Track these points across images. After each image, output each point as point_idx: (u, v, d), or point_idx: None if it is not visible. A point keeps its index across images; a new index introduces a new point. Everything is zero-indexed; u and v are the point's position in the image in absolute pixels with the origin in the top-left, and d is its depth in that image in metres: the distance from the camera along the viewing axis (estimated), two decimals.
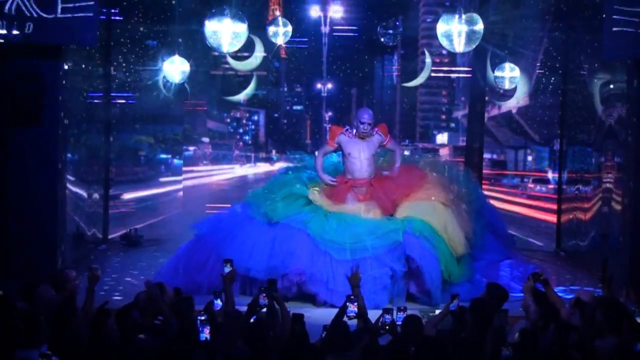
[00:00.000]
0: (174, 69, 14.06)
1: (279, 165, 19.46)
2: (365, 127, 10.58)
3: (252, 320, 6.52)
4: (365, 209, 10.28)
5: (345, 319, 6.51)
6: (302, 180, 10.89)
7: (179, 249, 10.80)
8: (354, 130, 10.75)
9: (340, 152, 10.97)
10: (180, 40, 14.69)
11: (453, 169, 11.91)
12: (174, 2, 14.89)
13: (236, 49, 13.07)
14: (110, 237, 14.60)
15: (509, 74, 14.28)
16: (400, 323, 6.43)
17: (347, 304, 6.55)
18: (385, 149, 11.08)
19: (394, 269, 9.73)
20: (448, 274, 9.88)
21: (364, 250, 9.70)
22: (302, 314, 6.33)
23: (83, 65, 12.77)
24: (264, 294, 6.63)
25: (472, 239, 10.51)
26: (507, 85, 14.47)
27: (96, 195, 13.99)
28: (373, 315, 6.74)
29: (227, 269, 6.92)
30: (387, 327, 6.30)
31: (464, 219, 10.52)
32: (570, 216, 14.17)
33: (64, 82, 10.80)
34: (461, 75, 18.63)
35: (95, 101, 14.04)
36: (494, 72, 14.78)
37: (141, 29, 15.00)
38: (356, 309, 6.52)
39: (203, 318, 6.07)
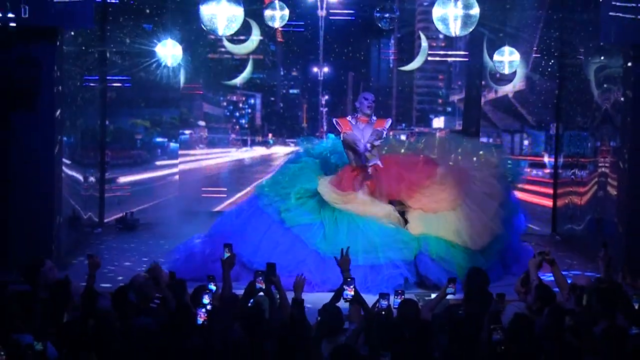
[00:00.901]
0: (167, 52, 14.03)
1: (275, 149, 19.71)
2: (369, 103, 10.63)
3: (249, 304, 6.50)
4: (375, 204, 10.29)
5: (341, 302, 6.49)
6: (314, 167, 10.93)
7: (192, 239, 10.77)
8: (356, 115, 10.79)
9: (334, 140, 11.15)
10: (179, 22, 14.66)
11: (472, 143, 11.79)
12: None
13: (232, 32, 13.00)
14: (106, 220, 14.61)
15: (509, 58, 14.30)
16: (396, 307, 6.42)
17: (344, 286, 6.53)
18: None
19: (407, 276, 9.79)
20: None
21: (376, 258, 9.76)
22: (302, 300, 6.32)
23: (80, 48, 12.72)
24: (261, 278, 6.62)
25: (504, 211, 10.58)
26: (506, 70, 14.50)
27: (92, 179, 13.98)
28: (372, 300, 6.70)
29: (226, 254, 6.92)
30: (383, 312, 6.29)
31: (494, 194, 10.51)
32: (566, 200, 14.18)
33: (60, 65, 10.76)
34: (457, 59, 18.55)
35: (92, 84, 14.00)
36: (490, 56, 14.82)
37: (137, 12, 14.92)
38: (352, 292, 6.51)
39: (207, 300, 6.09)
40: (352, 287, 6.51)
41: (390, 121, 11.08)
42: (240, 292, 6.82)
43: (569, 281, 7.43)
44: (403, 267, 9.84)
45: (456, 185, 10.54)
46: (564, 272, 7.86)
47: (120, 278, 9.80)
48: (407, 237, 10.09)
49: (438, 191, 10.46)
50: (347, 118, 10.89)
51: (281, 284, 6.75)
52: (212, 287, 6.86)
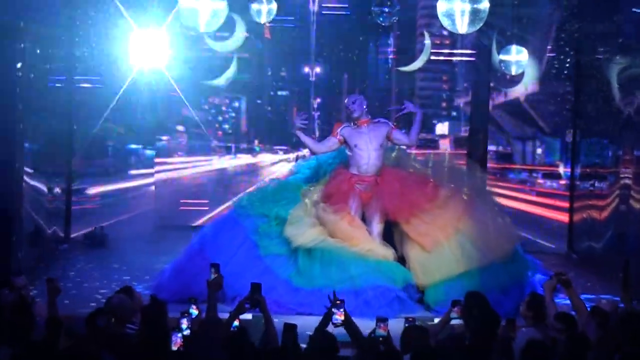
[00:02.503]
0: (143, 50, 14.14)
1: (262, 157, 19.75)
2: (352, 107, 10.61)
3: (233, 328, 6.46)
4: (360, 238, 10.22)
5: (330, 327, 6.41)
6: (299, 184, 10.87)
7: (178, 258, 10.66)
8: (352, 123, 10.72)
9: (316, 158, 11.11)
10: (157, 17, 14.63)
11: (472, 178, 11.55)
12: None
13: (214, 28, 12.98)
14: (72, 235, 14.49)
15: (516, 58, 14.34)
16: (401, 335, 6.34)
17: (333, 309, 6.46)
18: (392, 143, 10.97)
19: (396, 294, 9.71)
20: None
21: (352, 285, 9.63)
22: (294, 324, 6.24)
23: (45, 45, 12.65)
24: (247, 305, 6.57)
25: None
26: (513, 70, 14.57)
27: (57, 190, 13.86)
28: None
29: (212, 275, 6.88)
30: (380, 340, 6.20)
31: (493, 224, 10.40)
32: (584, 215, 14.13)
33: (22, 63, 10.71)
34: (463, 58, 18.58)
35: (57, 85, 13.95)
36: (499, 55, 14.84)
37: (109, 6, 14.88)
38: (342, 317, 6.44)
39: (184, 325, 6.14)
40: (341, 310, 6.44)
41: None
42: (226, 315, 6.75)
43: (588, 305, 7.37)
44: (391, 287, 9.75)
45: (458, 205, 10.46)
46: (583, 296, 7.81)
47: (90, 302, 9.66)
48: (391, 269, 9.99)
49: (437, 216, 10.36)
50: (346, 125, 10.79)
51: (266, 305, 6.68)
52: (193, 310, 6.80)
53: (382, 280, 9.77)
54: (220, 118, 20.05)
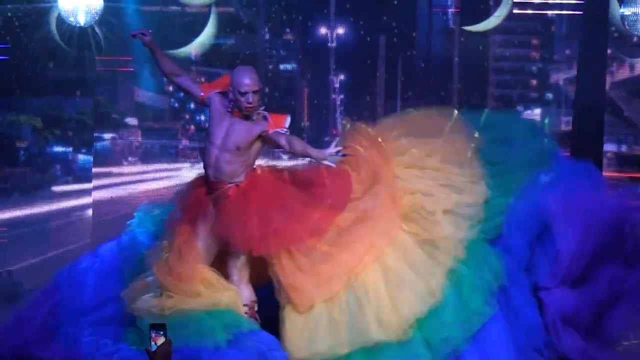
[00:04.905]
0: (75, 3, 14.40)
1: (257, 164, 19.48)
2: (250, 99, 9.67)
3: None
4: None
5: None
6: None
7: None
8: (231, 103, 9.95)
9: None
10: None
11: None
12: None
13: None
14: None
15: None
16: None
17: None
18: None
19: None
20: None
21: None
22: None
23: None
24: None
25: None
26: None
27: None
28: None
29: (153, 344, 6.62)
30: None
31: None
32: None
33: None
34: (565, 12, 18.43)
35: None
36: (621, 7, 15.10)
37: None
38: None
39: None
40: None
41: (289, 119, 10.24)
42: None
43: None
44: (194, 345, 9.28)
45: (365, 239, 9.58)
46: None
47: None
48: (200, 320, 9.43)
49: (325, 259, 9.62)
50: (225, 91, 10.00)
51: None
52: None
53: (185, 339, 9.15)
54: (192, 106, 19.93)
